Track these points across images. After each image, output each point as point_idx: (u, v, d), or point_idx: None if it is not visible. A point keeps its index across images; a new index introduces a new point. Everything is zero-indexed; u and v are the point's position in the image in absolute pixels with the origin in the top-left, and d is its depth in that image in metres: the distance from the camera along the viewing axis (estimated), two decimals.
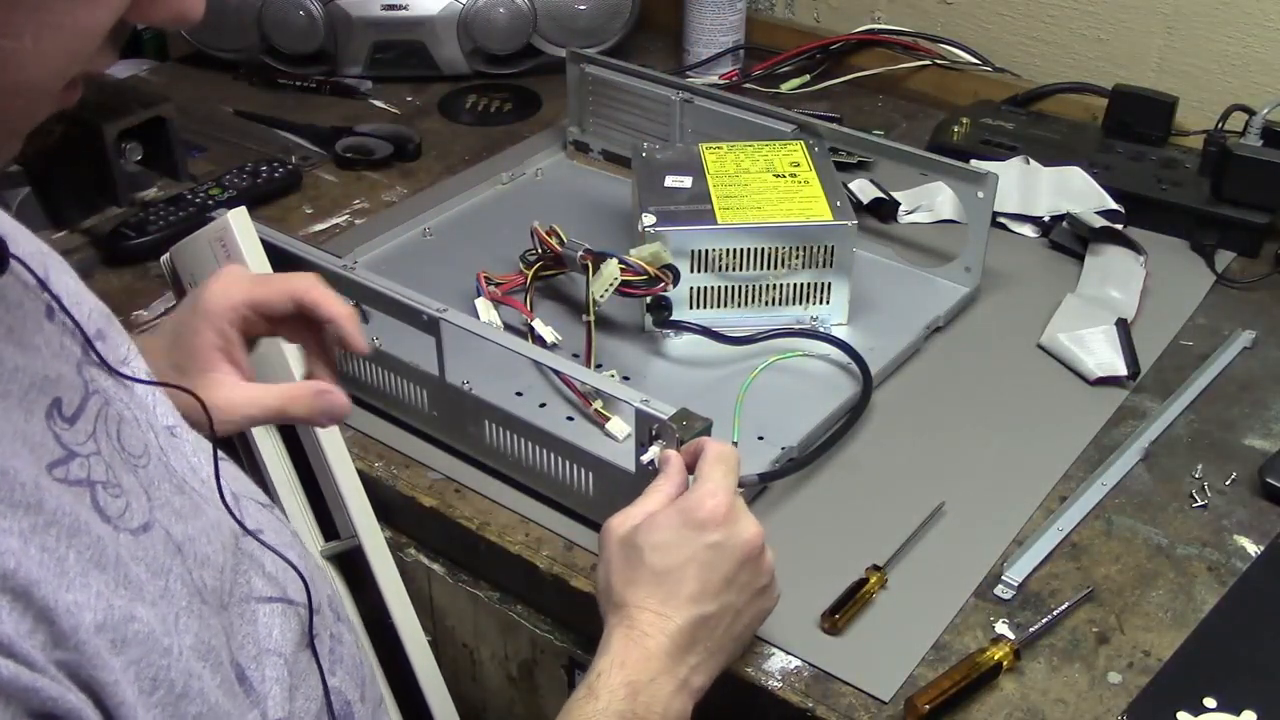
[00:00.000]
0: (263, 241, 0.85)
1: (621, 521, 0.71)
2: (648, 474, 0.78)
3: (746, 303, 1.03)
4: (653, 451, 0.77)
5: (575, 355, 0.99)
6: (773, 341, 1.01)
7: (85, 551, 0.47)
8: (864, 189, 1.21)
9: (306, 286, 0.73)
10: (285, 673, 0.61)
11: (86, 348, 0.57)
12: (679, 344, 1.02)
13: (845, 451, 0.92)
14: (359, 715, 0.69)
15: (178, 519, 0.55)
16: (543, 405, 0.94)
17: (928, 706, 0.72)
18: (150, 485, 0.54)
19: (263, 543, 0.64)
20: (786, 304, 1.04)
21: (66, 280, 0.61)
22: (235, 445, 0.85)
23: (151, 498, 0.54)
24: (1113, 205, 1.17)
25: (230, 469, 0.68)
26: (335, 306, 0.73)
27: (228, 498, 0.62)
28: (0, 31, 0.41)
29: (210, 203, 1.18)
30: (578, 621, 0.85)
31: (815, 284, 1.03)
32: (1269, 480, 0.89)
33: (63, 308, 0.57)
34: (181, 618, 0.52)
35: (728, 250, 1.00)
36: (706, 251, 1.00)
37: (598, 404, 0.93)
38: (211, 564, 0.56)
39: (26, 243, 0.59)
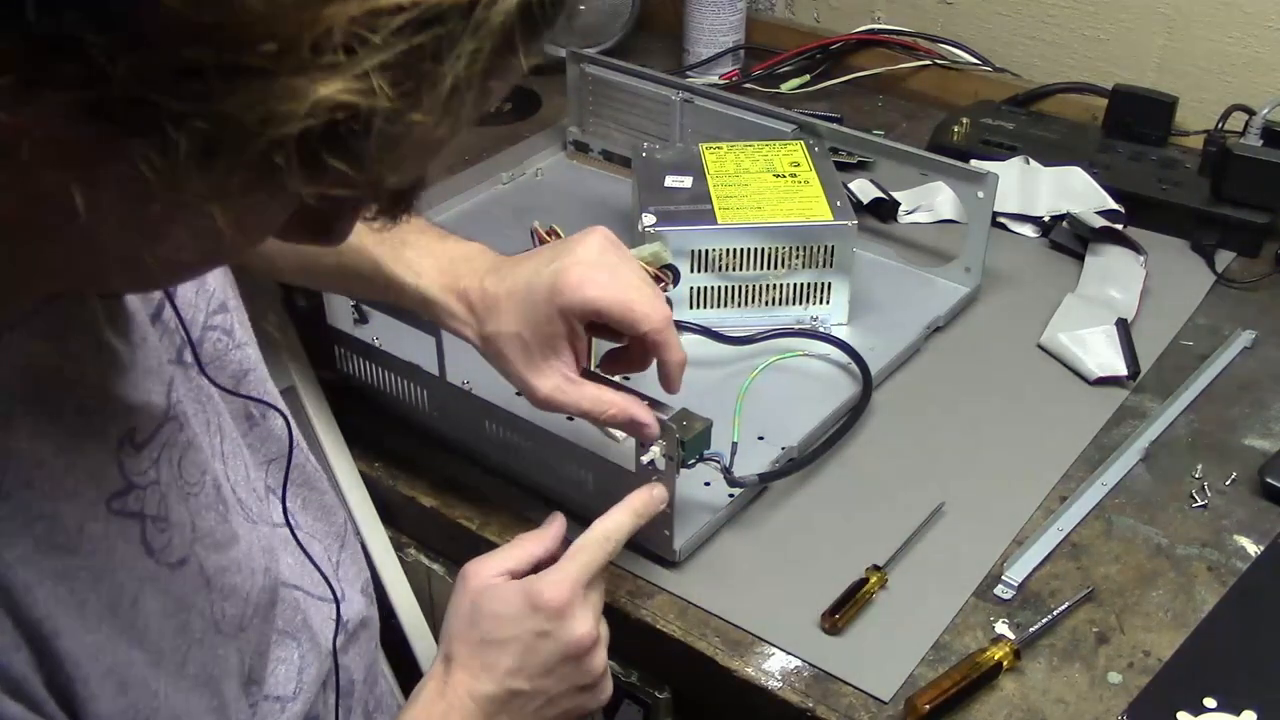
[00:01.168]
0: None
1: (478, 570, 0.72)
2: (647, 474, 0.78)
3: (746, 303, 1.03)
4: (653, 452, 0.77)
5: None
6: (773, 341, 1.01)
7: (105, 596, 0.49)
8: (864, 189, 1.21)
9: (660, 327, 0.76)
10: (295, 655, 0.65)
11: (184, 349, 0.59)
12: None
13: (845, 451, 0.92)
14: (359, 694, 0.74)
15: (215, 550, 0.57)
16: None
17: (928, 706, 0.72)
18: (196, 514, 0.57)
19: (295, 538, 0.68)
20: (786, 304, 1.04)
21: None
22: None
23: (196, 528, 0.56)
24: (1113, 205, 1.17)
25: (299, 467, 0.72)
26: (676, 355, 0.77)
27: (288, 498, 0.67)
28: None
29: None
30: None
31: (815, 284, 1.03)
32: (1269, 480, 0.89)
33: (173, 305, 0.58)
34: (192, 650, 0.54)
35: (728, 250, 1.00)
36: (706, 251, 1.00)
37: None
38: (236, 594, 0.59)
39: None
